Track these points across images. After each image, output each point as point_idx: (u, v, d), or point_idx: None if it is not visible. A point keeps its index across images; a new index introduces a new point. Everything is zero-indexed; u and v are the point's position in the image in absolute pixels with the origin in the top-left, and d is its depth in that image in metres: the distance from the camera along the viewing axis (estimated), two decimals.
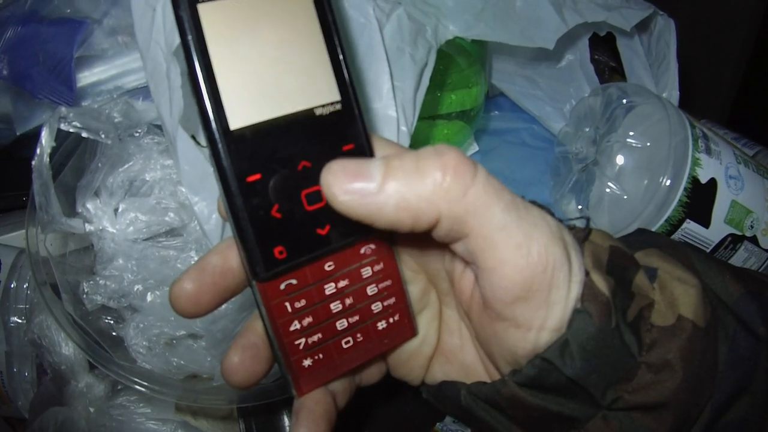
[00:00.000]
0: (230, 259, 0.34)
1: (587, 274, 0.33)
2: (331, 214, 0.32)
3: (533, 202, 0.34)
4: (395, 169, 0.30)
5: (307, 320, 0.34)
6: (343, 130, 0.34)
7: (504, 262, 0.30)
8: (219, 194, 0.32)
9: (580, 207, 0.66)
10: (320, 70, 0.33)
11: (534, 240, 0.30)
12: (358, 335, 0.36)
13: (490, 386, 0.35)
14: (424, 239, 0.35)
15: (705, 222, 0.64)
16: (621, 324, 0.33)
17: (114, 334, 0.63)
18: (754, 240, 0.67)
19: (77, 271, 0.65)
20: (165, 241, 0.65)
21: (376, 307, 0.36)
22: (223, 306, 0.59)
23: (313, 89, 0.33)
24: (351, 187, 0.30)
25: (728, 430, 0.36)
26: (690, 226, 0.64)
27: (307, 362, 0.35)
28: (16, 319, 0.72)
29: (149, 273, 0.63)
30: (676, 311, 0.34)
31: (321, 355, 0.35)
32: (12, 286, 0.73)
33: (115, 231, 0.64)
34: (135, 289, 0.62)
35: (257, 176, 0.31)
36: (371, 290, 0.36)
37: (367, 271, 0.36)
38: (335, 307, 0.35)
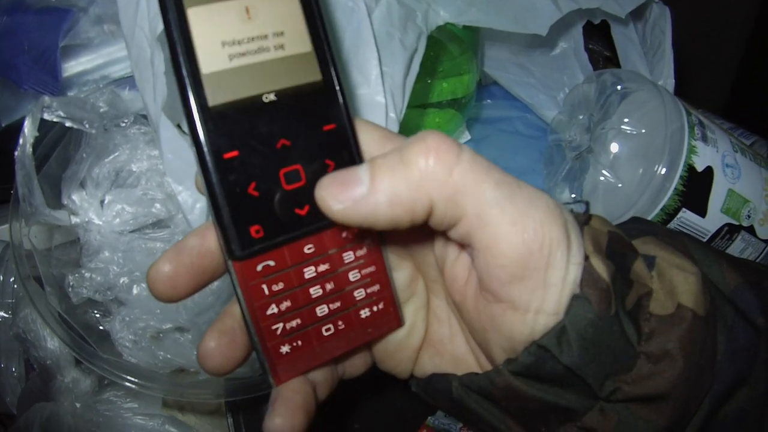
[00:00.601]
0: (209, 240, 0.33)
1: (587, 258, 0.32)
2: (310, 194, 0.32)
3: None
4: (381, 166, 0.30)
5: (285, 304, 0.33)
6: (325, 109, 0.33)
7: (499, 239, 0.30)
8: (196, 171, 0.32)
9: (573, 196, 0.65)
10: (301, 48, 0.33)
11: (529, 217, 0.30)
12: (340, 323, 0.35)
13: (484, 377, 0.34)
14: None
15: (701, 211, 0.63)
16: (620, 312, 0.32)
17: (100, 327, 0.63)
18: (750, 230, 0.66)
19: (63, 265, 0.64)
20: (152, 233, 0.64)
21: (359, 293, 0.36)
22: (209, 299, 0.59)
23: (293, 67, 0.32)
24: (343, 195, 0.30)
25: (727, 422, 0.35)
26: (686, 216, 0.63)
27: (284, 349, 0.34)
28: (2, 313, 0.71)
29: (135, 265, 0.62)
30: (676, 300, 0.33)
31: (300, 342, 0.34)
32: None
33: (101, 223, 0.64)
34: (121, 281, 0.62)
35: (234, 153, 0.31)
36: (353, 276, 0.35)
37: (349, 256, 0.35)
38: (315, 291, 0.34)
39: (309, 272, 0.34)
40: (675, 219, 0.63)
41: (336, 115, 0.33)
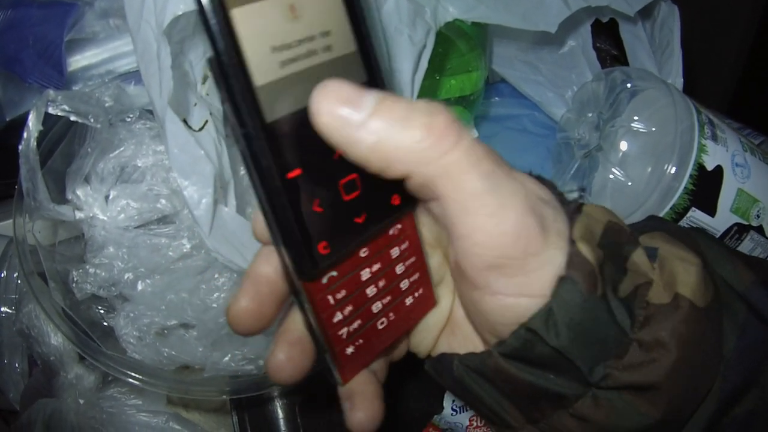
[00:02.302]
0: (276, 265, 0.34)
1: (573, 243, 0.32)
2: (366, 202, 0.31)
3: (531, 174, 0.34)
4: (385, 109, 0.29)
5: (348, 309, 0.34)
6: None
7: (476, 229, 0.30)
8: (256, 195, 0.30)
9: (582, 194, 0.65)
10: (347, 48, 0.31)
11: (509, 208, 0.30)
12: (391, 314, 0.36)
13: (478, 357, 0.34)
14: None
15: (711, 210, 0.63)
16: (610, 296, 0.32)
17: (104, 324, 0.62)
18: (760, 230, 0.66)
19: (67, 260, 0.64)
20: (157, 229, 0.63)
21: (404, 284, 0.36)
22: (215, 294, 0.59)
23: (341, 69, 0.31)
24: (337, 111, 0.29)
25: (734, 424, 0.35)
26: (696, 215, 0.62)
27: (350, 350, 0.34)
28: (6, 309, 0.71)
29: (140, 261, 0.61)
30: (674, 289, 0.33)
31: (361, 341, 0.35)
32: (2, 275, 0.72)
33: (105, 218, 0.63)
34: (125, 277, 0.61)
35: (298, 171, 0.29)
36: (399, 269, 0.36)
37: (395, 251, 0.35)
38: (371, 291, 0.35)
39: (365, 275, 0.34)
40: (684, 218, 0.62)
41: None
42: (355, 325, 0.34)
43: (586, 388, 0.32)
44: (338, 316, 0.33)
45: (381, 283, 0.35)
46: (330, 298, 0.33)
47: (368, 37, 0.31)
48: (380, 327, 0.36)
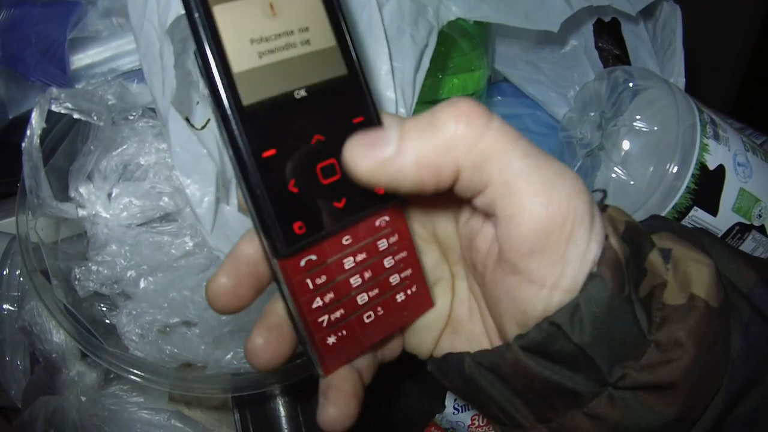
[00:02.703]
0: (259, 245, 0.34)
1: (606, 237, 0.31)
2: (346, 187, 0.32)
3: None
4: (410, 129, 0.30)
5: (329, 296, 0.34)
6: (353, 102, 0.33)
7: (522, 209, 0.29)
8: (234, 174, 0.32)
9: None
10: (326, 43, 0.33)
11: (555, 190, 0.29)
12: (379, 309, 0.36)
13: (494, 351, 0.34)
14: (436, 204, 0.37)
15: (713, 210, 0.63)
16: (633, 296, 0.32)
17: (107, 321, 0.62)
18: (761, 229, 0.66)
19: (70, 258, 0.64)
20: (159, 227, 0.63)
21: (394, 279, 0.36)
22: None
23: (320, 62, 0.33)
24: (371, 153, 0.30)
25: (738, 422, 0.35)
26: (698, 214, 0.62)
27: (331, 339, 0.34)
28: (8, 306, 0.71)
29: (143, 259, 0.62)
30: (689, 290, 0.33)
31: (344, 332, 0.35)
32: (4, 273, 0.72)
33: (108, 216, 0.63)
34: (128, 275, 0.61)
35: (272, 151, 0.31)
36: (388, 262, 0.36)
37: (383, 244, 0.35)
38: (355, 281, 0.35)
39: (348, 263, 0.34)
40: (687, 217, 0.62)
41: (364, 108, 0.34)
42: (337, 314, 0.34)
43: (602, 387, 0.32)
44: (318, 302, 0.33)
45: (367, 275, 0.35)
46: (308, 281, 0.33)
47: (347, 32, 0.33)
48: (367, 320, 0.36)
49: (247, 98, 0.30)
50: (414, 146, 0.30)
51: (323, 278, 0.33)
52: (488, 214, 0.32)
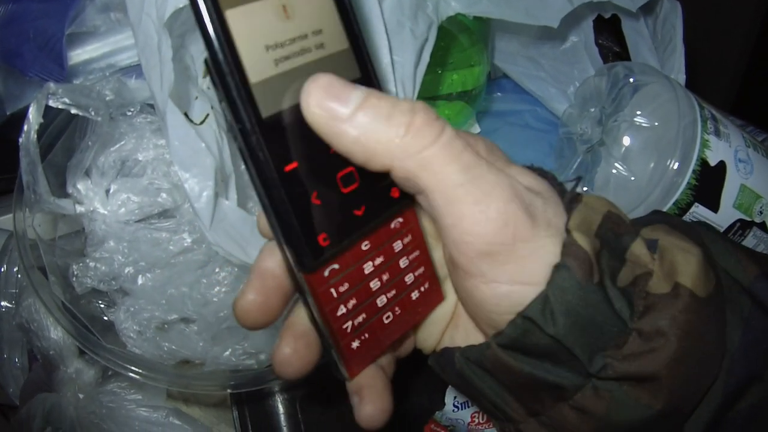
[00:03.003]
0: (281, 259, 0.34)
1: (568, 232, 0.32)
2: (365, 194, 0.32)
3: (531, 166, 0.35)
4: (370, 106, 0.30)
5: (352, 302, 0.34)
6: None
7: (463, 217, 0.30)
8: (255, 189, 0.31)
9: (585, 189, 0.65)
10: (339, 46, 0.32)
11: (493, 197, 0.30)
12: (396, 308, 0.36)
13: (477, 349, 0.34)
14: None
15: (714, 206, 0.62)
16: (607, 284, 0.32)
17: (104, 318, 0.62)
18: (762, 226, 0.65)
19: (67, 254, 0.64)
20: (157, 223, 0.63)
21: (409, 278, 0.36)
22: (215, 289, 0.59)
23: (334, 66, 0.32)
24: (326, 104, 0.30)
25: (739, 418, 0.35)
26: (698, 210, 0.62)
27: (355, 344, 0.35)
28: (5, 303, 0.71)
29: (141, 255, 0.61)
30: (674, 279, 0.33)
31: (367, 335, 0.35)
32: (2, 269, 0.72)
33: (106, 212, 0.63)
34: (126, 271, 0.61)
35: (294, 164, 0.30)
36: (403, 263, 0.36)
37: (398, 245, 0.35)
38: (374, 285, 0.35)
39: (368, 268, 0.34)
40: (688, 214, 0.62)
41: None
42: (360, 318, 0.34)
43: (585, 379, 0.32)
44: (342, 310, 0.33)
45: (385, 277, 0.35)
46: (333, 291, 0.33)
47: (360, 34, 0.33)
48: (386, 321, 0.36)
49: (266, 110, 0.29)
50: (362, 124, 0.30)
51: (346, 286, 0.33)
52: (432, 217, 0.33)
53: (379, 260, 0.34)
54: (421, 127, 0.30)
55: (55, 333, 0.64)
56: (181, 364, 0.62)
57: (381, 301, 0.35)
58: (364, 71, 0.33)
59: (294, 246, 0.31)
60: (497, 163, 0.33)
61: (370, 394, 0.35)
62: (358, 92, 0.30)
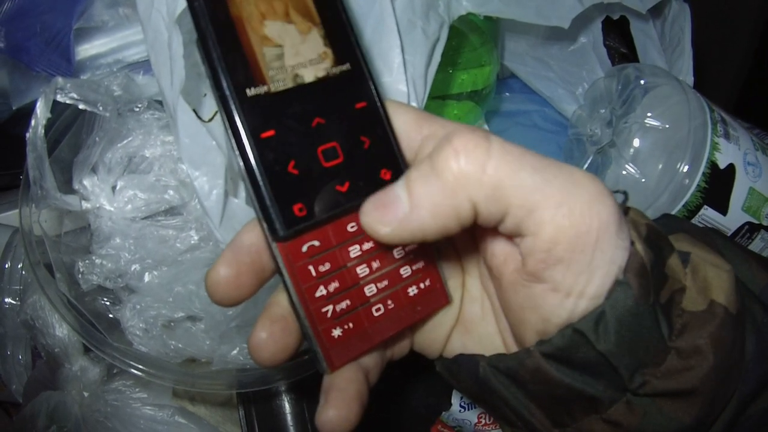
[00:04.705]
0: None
1: (632, 243, 0.31)
2: (349, 171, 0.32)
3: None
4: (416, 180, 0.30)
5: (333, 285, 0.33)
6: (355, 88, 0.34)
7: (544, 223, 0.29)
8: (233, 156, 0.32)
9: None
10: (329, 35, 0.33)
11: (575, 198, 0.29)
12: (389, 302, 0.35)
13: (513, 357, 0.33)
14: None
15: (723, 209, 0.62)
16: (656, 303, 0.31)
17: (110, 315, 0.61)
18: None
19: (73, 251, 0.63)
20: (164, 220, 0.63)
21: (405, 271, 0.35)
22: None
23: (322, 54, 0.33)
24: (387, 218, 0.30)
25: (749, 422, 0.35)
26: (708, 213, 0.62)
27: (336, 332, 0.33)
28: (10, 300, 0.71)
29: (147, 252, 0.61)
30: (709, 296, 0.32)
31: (351, 324, 0.34)
32: (6, 266, 0.72)
33: (112, 209, 0.62)
34: (132, 269, 0.61)
35: (271, 132, 0.31)
36: (398, 253, 0.35)
37: None
38: (362, 271, 0.34)
39: (354, 251, 0.34)
40: (697, 216, 0.62)
41: (366, 94, 0.34)
42: (343, 305, 0.33)
43: (621, 393, 0.32)
44: (321, 291, 0.33)
45: (375, 264, 0.34)
46: (311, 268, 0.32)
47: (350, 28, 0.34)
48: (376, 314, 0.35)
49: (246, 81, 0.31)
50: (424, 197, 0.29)
51: (327, 265, 0.33)
52: (513, 236, 0.31)
53: (367, 245, 0.34)
54: (465, 145, 0.29)
55: (60, 330, 0.64)
56: (188, 363, 0.61)
57: (369, 289, 0.34)
58: (352, 59, 0.34)
59: (267, 212, 0.31)
60: None
61: (336, 399, 0.33)
62: (399, 184, 0.30)
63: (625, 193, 0.35)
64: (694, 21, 0.74)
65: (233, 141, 0.31)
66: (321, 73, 0.33)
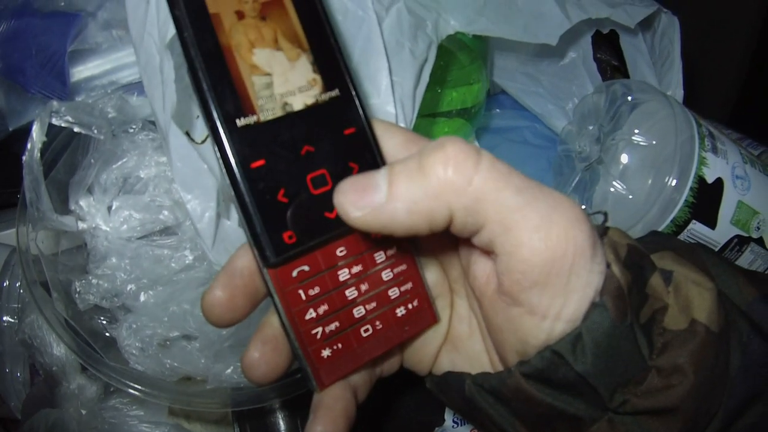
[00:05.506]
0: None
1: (608, 265, 0.31)
2: None
3: None
4: (399, 173, 0.30)
5: (323, 308, 0.34)
6: (343, 114, 0.34)
7: (521, 245, 0.29)
8: (224, 184, 0.33)
9: (584, 207, 0.65)
10: (317, 61, 0.34)
11: (553, 223, 0.29)
12: (377, 323, 0.36)
13: (496, 376, 0.34)
14: None
15: (711, 223, 0.63)
16: (634, 324, 0.32)
17: (107, 334, 0.62)
18: (760, 242, 0.66)
19: (70, 270, 0.64)
20: (159, 240, 0.63)
21: (393, 292, 0.36)
22: None
23: (311, 81, 0.33)
24: (361, 202, 0.30)
25: None
26: (696, 227, 0.62)
27: (325, 352, 0.34)
28: (8, 318, 0.71)
29: (143, 272, 0.62)
30: (690, 315, 0.33)
31: (340, 345, 0.35)
32: (4, 284, 0.72)
33: (108, 229, 0.63)
34: (128, 288, 0.61)
35: (261, 162, 0.31)
36: (386, 275, 0.36)
37: (380, 256, 0.35)
38: (350, 293, 0.35)
39: (343, 274, 0.34)
40: (685, 231, 0.62)
41: (355, 119, 0.34)
42: (332, 326, 0.34)
43: (603, 412, 0.32)
44: (311, 314, 0.33)
45: (363, 287, 0.35)
46: (301, 292, 0.33)
47: (339, 54, 0.34)
48: (365, 334, 0.35)
49: (236, 109, 0.31)
50: (404, 192, 0.30)
51: (316, 289, 0.33)
52: (487, 251, 0.32)
53: (356, 268, 0.34)
54: (457, 155, 0.29)
55: (58, 349, 0.64)
56: (184, 381, 0.62)
57: (358, 311, 0.35)
58: (342, 88, 0.34)
59: (257, 240, 0.32)
60: None
61: (324, 416, 0.34)
62: (382, 170, 0.31)
63: (605, 213, 0.35)
64: (686, 32, 0.75)
65: (224, 170, 0.31)
66: (310, 101, 0.33)
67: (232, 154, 0.31)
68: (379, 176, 0.30)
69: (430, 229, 0.30)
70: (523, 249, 0.29)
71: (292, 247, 0.32)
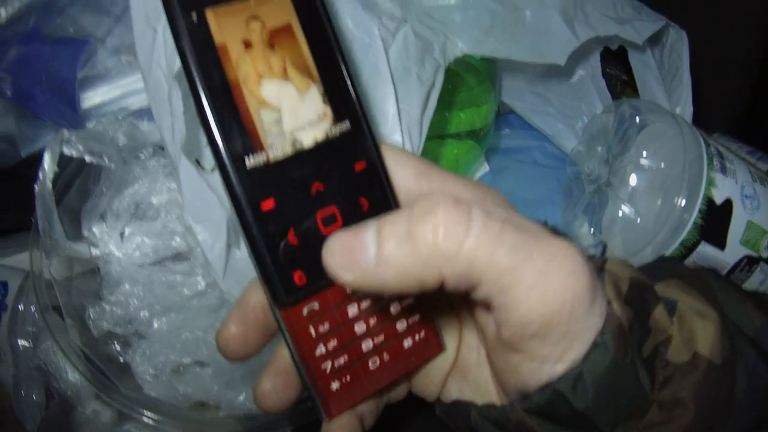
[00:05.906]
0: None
1: (608, 302, 0.31)
2: None
3: (546, 225, 0.33)
4: (388, 236, 0.29)
5: (332, 344, 0.34)
6: (354, 149, 0.33)
7: (518, 303, 0.29)
8: (235, 224, 0.33)
9: (592, 230, 0.65)
10: (328, 92, 0.33)
11: (550, 276, 0.29)
12: (385, 355, 0.36)
13: (500, 410, 0.34)
14: None
15: (720, 244, 0.63)
16: (636, 360, 0.32)
17: (121, 360, 0.63)
18: None
19: (83, 295, 0.64)
20: (172, 266, 0.64)
21: (401, 325, 0.36)
22: None
23: (321, 115, 0.32)
24: (351, 264, 0.29)
25: None
26: (705, 249, 0.62)
27: (334, 385, 0.35)
28: (23, 342, 0.72)
29: (155, 298, 0.62)
30: (693, 348, 0.33)
31: (348, 377, 0.35)
32: (20, 308, 0.73)
33: (121, 255, 0.64)
34: (141, 315, 0.62)
35: (270, 202, 0.31)
36: (394, 309, 0.35)
37: None
38: (359, 328, 0.35)
39: (352, 310, 0.34)
40: (694, 253, 0.62)
41: (366, 152, 0.33)
42: (341, 360, 0.34)
43: None
44: (321, 349, 0.33)
45: (372, 321, 0.35)
46: (311, 329, 0.33)
47: (351, 84, 0.33)
48: (372, 366, 0.35)
49: (245, 150, 0.30)
50: (393, 258, 0.29)
51: (326, 326, 0.33)
52: (484, 304, 0.32)
53: (365, 304, 0.34)
54: (446, 221, 0.28)
55: (73, 375, 0.65)
56: (197, 406, 0.62)
57: (366, 345, 0.35)
58: (354, 121, 0.33)
59: (268, 282, 0.31)
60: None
61: None
62: (371, 229, 0.30)
63: (604, 245, 0.35)
64: (696, 45, 0.74)
65: (233, 209, 0.31)
66: (320, 136, 0.32)
67: (242, 195, 0.30)
68: (368, 236, 0.29)
69: (421, 291, 0.30)
70: (521, 306, 0.29)
71: (303, 288, 0.32)
